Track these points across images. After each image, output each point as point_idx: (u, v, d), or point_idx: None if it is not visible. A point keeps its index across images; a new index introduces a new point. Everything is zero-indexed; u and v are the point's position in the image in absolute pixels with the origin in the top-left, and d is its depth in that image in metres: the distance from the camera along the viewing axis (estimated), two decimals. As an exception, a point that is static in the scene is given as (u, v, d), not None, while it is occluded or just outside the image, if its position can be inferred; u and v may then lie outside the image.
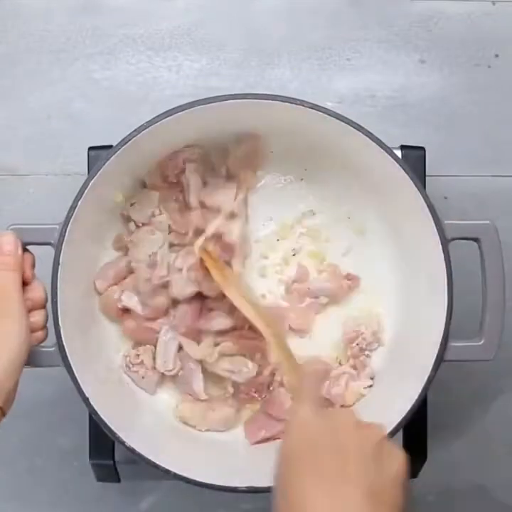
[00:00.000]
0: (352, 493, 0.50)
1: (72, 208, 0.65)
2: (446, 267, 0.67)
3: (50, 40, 0.86)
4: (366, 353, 0.74)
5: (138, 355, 0.73)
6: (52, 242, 0.66)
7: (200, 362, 0.73)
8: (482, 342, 0.68)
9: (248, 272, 0.74)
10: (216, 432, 0.74)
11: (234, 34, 0.87)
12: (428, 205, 0.67)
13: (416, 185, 0.67)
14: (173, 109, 0.66)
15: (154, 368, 0.73)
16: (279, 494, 0.53)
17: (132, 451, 0.67)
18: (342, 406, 0.73)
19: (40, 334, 0.65)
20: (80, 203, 0.65)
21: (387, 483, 0.51)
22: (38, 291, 0.65)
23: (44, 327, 0.66)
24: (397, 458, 0.53)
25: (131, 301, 0.73)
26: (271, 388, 0.74)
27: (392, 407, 0.68)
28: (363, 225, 0.75)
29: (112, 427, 0.67)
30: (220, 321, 0.73)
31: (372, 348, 0.75)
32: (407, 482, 0.53)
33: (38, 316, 0.65)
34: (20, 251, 0.65)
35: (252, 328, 0.70)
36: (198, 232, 0.71)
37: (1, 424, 0.61)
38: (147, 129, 0.65)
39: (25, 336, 0.62)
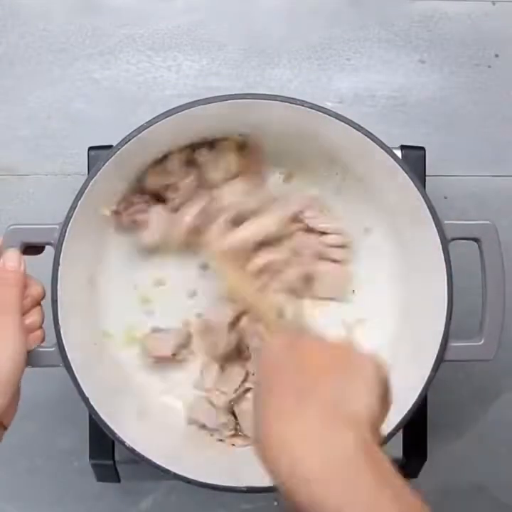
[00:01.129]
0: (310, 410, 0.48)
1: (72, 208, 0.65)
2: (446, 267, 0.67)
3: (50, 40, 0.86)
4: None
5: None
6: (52, 242, 0.66)
7: None
8: (482, 342, 0.68)
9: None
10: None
11: (234, 34, 0.87)
12: (428, 205, 0.67)
13: (416, 185, 0.67)
14: (173, 109, 0.66)
15: None
16: (253, 423, 0.52)
17: (132, 451, 0.67)
18: None
19: (38, 333, 0.65)
20: (79, 202, 0.65)
21: (356, 392, 0.50)
22: (35, 288, 0.65)
23: (41, 326, 0.66)
24: (367, 364, 0.52)
25: None
26: None
27: (392, 407, 0.68)
28: (362, 225, 0.75)
29: (112, 427, 0.67)
30: None
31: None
32: (390, 386, 0.52)
33: (35, 315, 0.65)
34: (22, 268, 0.65)
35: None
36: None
37: (2, 436, 0.62)
38: (147, 129, 0.65)
39: (21, 353, 0.61)
